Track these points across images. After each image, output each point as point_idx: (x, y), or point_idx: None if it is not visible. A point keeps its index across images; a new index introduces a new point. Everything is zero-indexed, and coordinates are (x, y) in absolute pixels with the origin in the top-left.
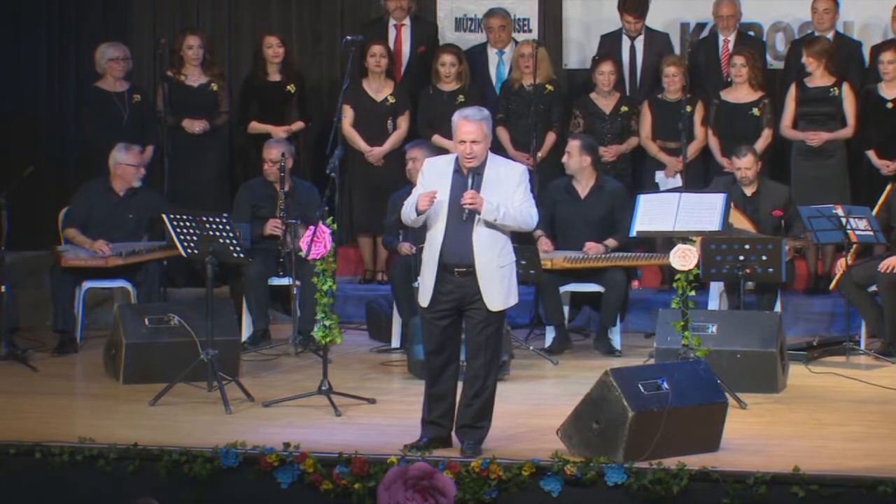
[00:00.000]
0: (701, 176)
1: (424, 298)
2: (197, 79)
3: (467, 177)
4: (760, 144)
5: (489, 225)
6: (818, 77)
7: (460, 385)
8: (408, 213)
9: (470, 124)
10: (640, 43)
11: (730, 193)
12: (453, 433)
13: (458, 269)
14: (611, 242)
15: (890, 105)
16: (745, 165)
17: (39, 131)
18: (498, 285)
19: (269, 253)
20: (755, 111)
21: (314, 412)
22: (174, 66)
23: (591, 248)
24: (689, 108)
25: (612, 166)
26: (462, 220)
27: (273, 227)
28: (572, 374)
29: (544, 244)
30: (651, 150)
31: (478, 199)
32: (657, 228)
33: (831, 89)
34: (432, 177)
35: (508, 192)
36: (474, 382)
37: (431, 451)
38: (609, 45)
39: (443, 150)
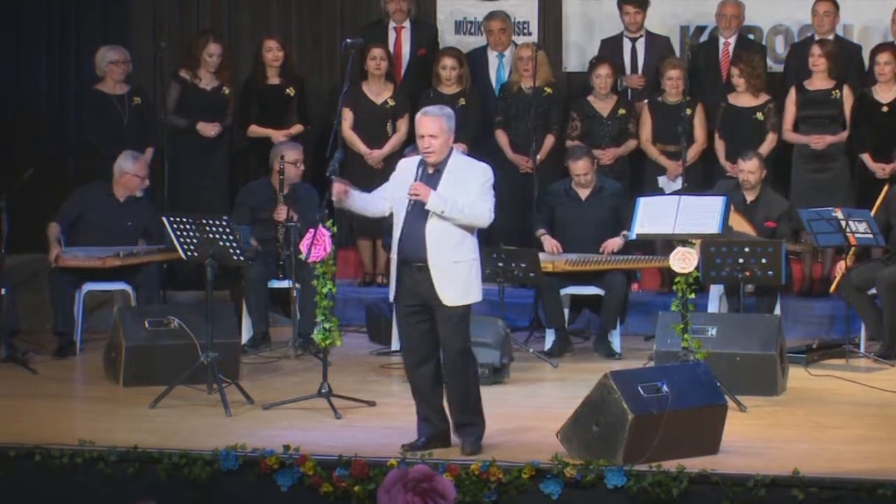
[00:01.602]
0: (700, 179)
1: (391, 293)
2: (210, 82)
3: (418, 169)
4: (764, 148)
5: (442, 220)
6: (818, 80)
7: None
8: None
9: (428, 119)
10: (641, 46)
11: (731, 197)
12: (452, 433)
13: (415, 264)
14: (627, 233)
15: (885, 108)
16: (748, 169)
17: (39, 133)
18: (453, 280)
19: (268, 256)
20: (759, 115)
21: (314, 415)
22: (189, 68)
23: (610, 244)
24: (688, 111)
25: (611, 169)
26: (412, 212)
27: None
28: (572, 376)
29: (549, 243)
30: (651, 154)
31: (422, 190)
32: (657, 231)
33: (832, 92)
34: (400, 174)
35: (467, 188)
36: (449, 381)
37: (431, 452)
38: (610, 49)
39: None
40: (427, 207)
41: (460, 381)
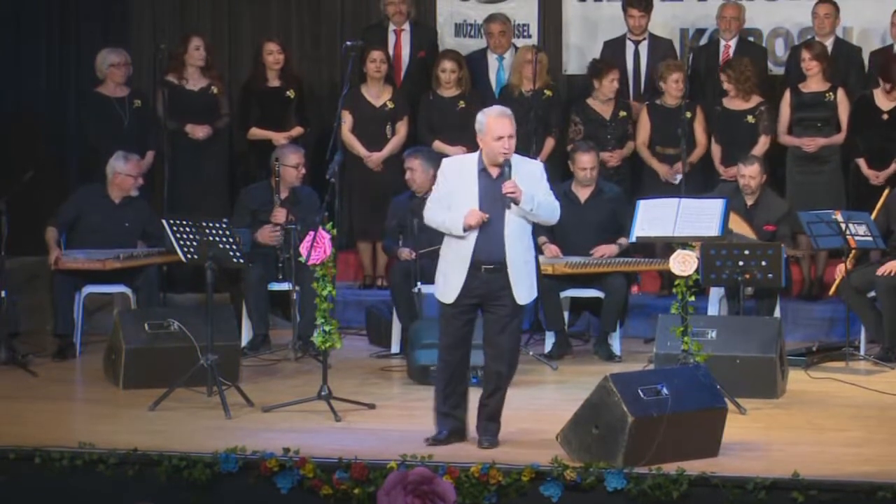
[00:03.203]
0: (700, 183)
1: (449, 295)
2: (197, 83)
3: (504, 166)
4: (757, 151)
5: (517, 221)
6: (813, 83)
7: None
8: (443, 222)
9: (508, 120)
10: (643, 48)
11: (731, 201)
12: (475, 427)
13: (485, 266)
14: (623, 241)
15: (885, 116)
16: (749, 174)
17: (39, 136)
18: (526, 279)
19: (268, 258)
20: (750, 118)
21: (314, 417)
22: (174, 71)
23: (603, 249)
24: (688, 114)
25: (616, 171)
26: (501, 208)
27: (271, 234)
28: (572, 379)
29: (551, 251)
30: (645, 158)
31: (517, 189)
32: (657, 234)
33: (826, 95)
34: (454, 177)
35: (533, 186)
36: (498, 378)
37: (431, 455)
38: (612, 51)
39: (443, 157)
40: (521, 205)
41: (507, 380)
